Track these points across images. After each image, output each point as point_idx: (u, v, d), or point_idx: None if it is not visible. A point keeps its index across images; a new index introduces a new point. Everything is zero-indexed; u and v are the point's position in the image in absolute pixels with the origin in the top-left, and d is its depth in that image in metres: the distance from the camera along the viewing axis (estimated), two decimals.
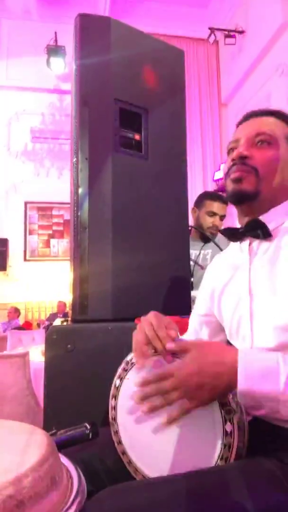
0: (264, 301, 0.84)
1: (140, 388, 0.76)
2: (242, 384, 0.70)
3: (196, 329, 1.08)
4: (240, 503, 0.67)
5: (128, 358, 0.89)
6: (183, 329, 1.12)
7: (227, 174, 0.92)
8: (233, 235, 0.94)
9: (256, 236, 0.88)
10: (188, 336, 1.10)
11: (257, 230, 0.87)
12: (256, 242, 0.89)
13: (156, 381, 0.74)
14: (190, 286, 1.84)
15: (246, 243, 0.91)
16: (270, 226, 0.86)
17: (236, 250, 0.96)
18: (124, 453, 0.87)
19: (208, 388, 0.71)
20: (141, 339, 0.83)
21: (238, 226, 0.96)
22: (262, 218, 0.88)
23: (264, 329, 0.83)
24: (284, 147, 0.89)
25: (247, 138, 0.90)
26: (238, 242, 0.94)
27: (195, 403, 0.72)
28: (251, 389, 0.70)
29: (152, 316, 0.85)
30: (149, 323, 0.83)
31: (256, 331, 0.85)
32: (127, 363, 0.88)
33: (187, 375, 0.72)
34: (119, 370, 0.90)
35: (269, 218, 0.87)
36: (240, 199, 0.90)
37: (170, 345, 0.77)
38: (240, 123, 0.97)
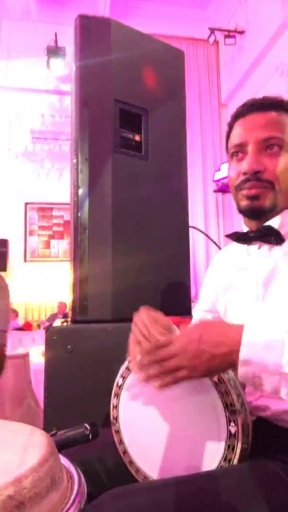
0: (274, 306, 0.82)
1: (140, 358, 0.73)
2: (244, 353, 0.66)
3: None
4: (244, 505, 0.66)
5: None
6: None
7: (238, 187, 0.86)
8: (240, 238, 0.91)
9: (268, 242, 0.85)
10: None
11: (270, 236, 0.84)
12: (266, 246, 0.86)
13: (155, 349, 0.72)
14: (190, 287, 1.84)
15: (254, 246, 0.88)
16: (282, 230, 0.84)
17: (242, 252, 0.93)
18: (125, 452, 0.87)
19: (206, 357, 0.68)
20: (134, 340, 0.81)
21: (244, 226, 0.93)
22: (273, 221, 0.85)
23: None
24: None
25: (256, 143, 0.83)
26: (246, 245, 0.91)
27: (190, 372, 0.69)
28: (253, 358, 0.65)
29: (144, 315, 0.83)
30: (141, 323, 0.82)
31: None
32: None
33: (187, 343, 0.69)
34: (122, 369, 0.89)
35: (280, 221, 0.84)
36: (259, 215, 0.86)
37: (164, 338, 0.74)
38: (240, 115, 0.87)
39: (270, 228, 0.84)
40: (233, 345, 0.67)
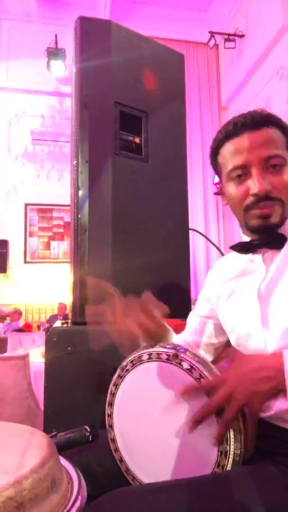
0: (279, 309, 0.83)
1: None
2: None
3: (196, 329, 1.07)
4: (244, 509, 0.66)
5: (123, 364, 0.89)
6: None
7: (247, 208, 0.86)
8: (244, 248, 0.91)
9: (272, 247, 0.87)
10: (186, 335, 1.09)
11: (274, 242, 0.86)
12: (270, 252, 0.87)
13: (201, 390, 0.74)
14: (190, 289, 1.84)
15: (258, 253, 0.89)
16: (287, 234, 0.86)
17: (245, 259, 0.93)
18: (121, 460, 0.87)
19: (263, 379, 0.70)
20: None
21: (243, 236, 0.94)
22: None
23: (278, 336, 0.82)
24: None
25: (259, 163, 0.83)
26: (250, 254, 0.91)
27: (260, 397, 0.71)
28: None
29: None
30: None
31: (269, 339, 0.84)
32: (122, 369, 0.88)
33: (237, 376, 0.72)
34: (114, 377, 0.90)
35: (284, 228, 0.87)
36: (271, 232, 0.86)
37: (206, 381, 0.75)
38: (233, 135, 0.86)
39: (280, 235, 0.86)
40: (278, 377, 0.70)
